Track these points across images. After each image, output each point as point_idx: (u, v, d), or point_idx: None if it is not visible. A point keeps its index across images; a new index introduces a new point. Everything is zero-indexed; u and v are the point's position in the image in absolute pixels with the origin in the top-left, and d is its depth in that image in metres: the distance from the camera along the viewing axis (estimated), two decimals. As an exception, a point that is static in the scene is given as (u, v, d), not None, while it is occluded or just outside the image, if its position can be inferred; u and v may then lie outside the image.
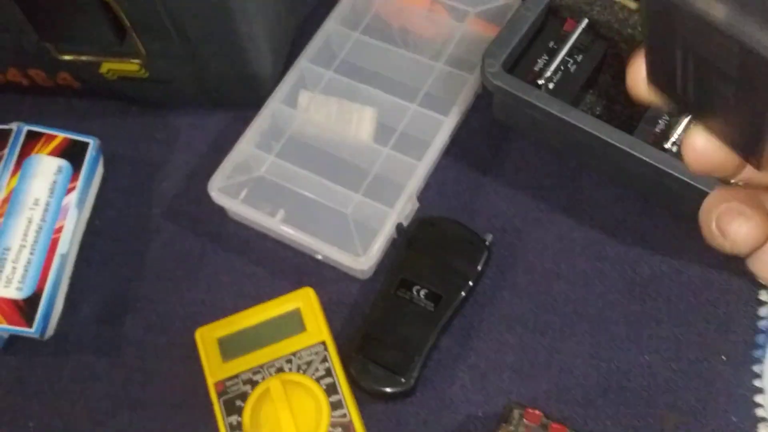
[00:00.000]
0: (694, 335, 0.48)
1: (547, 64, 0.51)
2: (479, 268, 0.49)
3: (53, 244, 0.50)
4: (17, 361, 0.50)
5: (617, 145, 0.48)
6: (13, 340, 0.50)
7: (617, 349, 0.48)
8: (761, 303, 0.48)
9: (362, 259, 0.48)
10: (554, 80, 0.51)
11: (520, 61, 0.52)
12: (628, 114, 0.53)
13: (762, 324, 0.48)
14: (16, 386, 0.49)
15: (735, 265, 0.49)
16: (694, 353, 0.47)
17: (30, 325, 0.47)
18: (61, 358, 0.50)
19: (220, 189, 0.51)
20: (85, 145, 0.53)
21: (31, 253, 0.49)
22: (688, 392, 0.47)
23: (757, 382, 0.47)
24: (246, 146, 0.53)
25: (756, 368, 0.47)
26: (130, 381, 0.49)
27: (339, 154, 0.54)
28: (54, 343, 0.50)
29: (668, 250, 0.50)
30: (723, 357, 0.47)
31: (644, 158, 0.47)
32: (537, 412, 0.43)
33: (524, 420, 0.43)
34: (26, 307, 0.48)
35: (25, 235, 0.49)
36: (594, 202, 0.53)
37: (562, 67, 0.52)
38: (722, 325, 0.48)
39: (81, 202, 0.52)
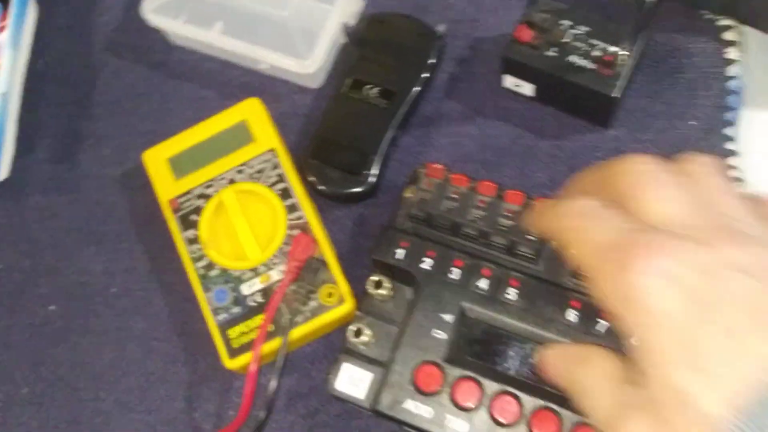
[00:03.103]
0: (660, 104, 0.46)
1: None
2: (432, 60, 0.47)
3: (-10, 84, 0.48)
4: (-23, 207, 0.50)
5: None
6: (-31, 185, 0.50)
7: (580, 127, 0.46)
8: (729, 62, 0.46)
9: (308, 62, 0.46)
10: None
11: None
12: None
13: (732, 84, 0.46)
14: (-21, 232, 0.49)
15: (698, 24, 0.46)
16: (662, 122, 0.45)
17: (-22, 167, 0.47)
18: (21, 199, 0.50)
19: (155, 10, 0.49)
20: (11, -19, 0.51)
21: (-31, 95, 0.47)
22: (657, 162, 0.45)
23: (729, 145, 0.45)
24: (177, -38, 0.50)
25: (728, 131, 0.45)
26: (91, 215, 0.49)
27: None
28: (11, 185, 0.50)
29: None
30: (692, 122, 0.45)
31: None
32: (438, 165, 0.41)
33: (427, 176, 0.42)
34: (-28, 150, 0.47)
35: (-40, 77, 0.48)
36: (552, -20, 0.49)
37: None
38: (689, 90, 0.46)
39: (15, 40, 0.50)
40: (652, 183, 0.29)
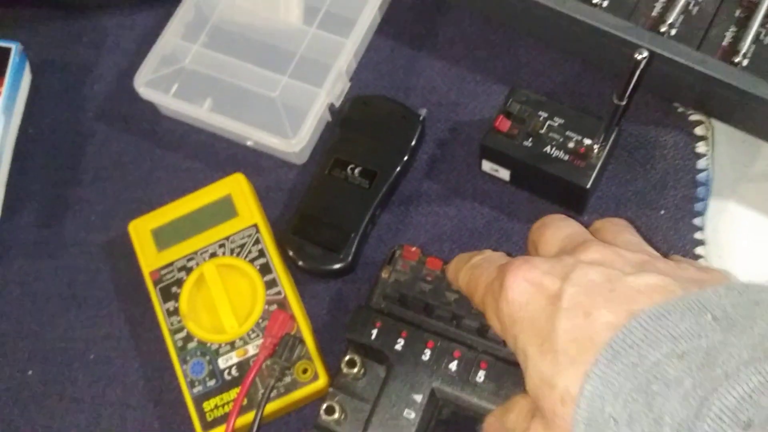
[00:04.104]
0: (631, 193, 0.47)
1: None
2: (413, 143, 0.49)
3: (-19, 149, 0.49)
4: (-39, 270, 0.50)
5: (544, 3, 0.46)
6: (-46, 249, 0.50)
7: (554, 212, 0.47)
8: (699, 156, 0.48)
9: (293, 141, 0.48)
10: (479, -57, 0.49)
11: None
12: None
13: (701, 177, 0.47)
14: (-38, 294, 0.50)
15: (671, 117, 0.48)
16: (632, 211, 0.47)
17: (-35, 231, 0.47)
18: (4, 262, 0.50)
19: (147, 83, 0.50)
20: (7, 50, 0.52)
21: (-40, 160, 0.48)
22: (627, 249, 0.46)
23: (697, 235, 0.46)
24: (171, 38, 0.51)
25: (696, 221, 0.47)
26: (74, 281, 0.50)
27: (266, 40, 0.52)
28: (-5, 249, 0.50)
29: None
30: (662, 212, 0.47)
31: (573, 15, 0.46)
32: (414, 248, 0.43)
33: (402, 258, 0.43)
34: (-40, 214, 0.47)
35: (-48, 142, 0.49)
36: (531, 68, 0.51)
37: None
38: (660, 181, 0.47)
39: (8, 108, 0.51)
40: (548, 230, 0.36)
